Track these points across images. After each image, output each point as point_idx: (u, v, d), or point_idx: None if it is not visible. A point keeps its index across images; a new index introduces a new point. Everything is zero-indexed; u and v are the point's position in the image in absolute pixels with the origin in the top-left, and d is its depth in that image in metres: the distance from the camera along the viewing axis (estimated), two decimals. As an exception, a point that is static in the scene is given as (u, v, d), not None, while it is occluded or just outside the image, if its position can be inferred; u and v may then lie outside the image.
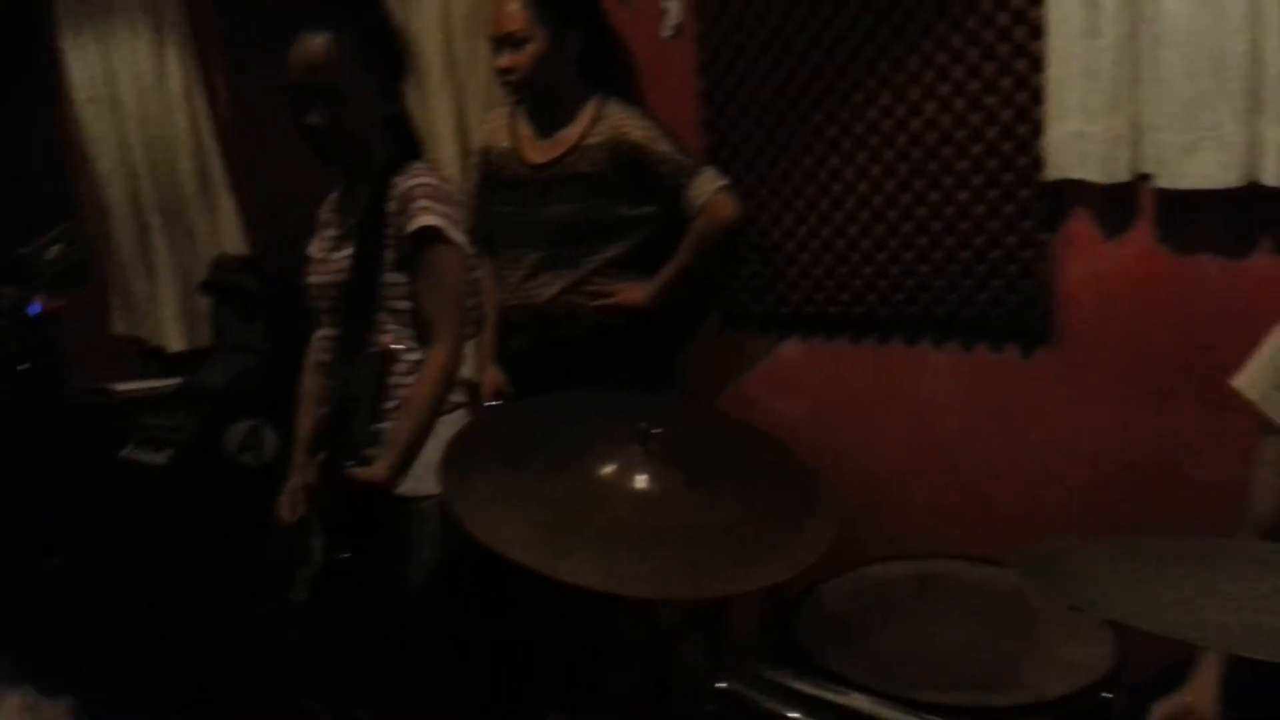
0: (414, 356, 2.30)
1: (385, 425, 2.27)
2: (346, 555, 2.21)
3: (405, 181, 2.29)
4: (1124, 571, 1.27)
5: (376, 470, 2.18)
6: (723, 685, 1.82)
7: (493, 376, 3.00)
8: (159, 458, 3.81)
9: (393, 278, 2.29)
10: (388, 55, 2.36)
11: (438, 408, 2.27)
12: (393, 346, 2.18)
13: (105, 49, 4.30)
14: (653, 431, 1.83)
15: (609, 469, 1.84)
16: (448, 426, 2.21)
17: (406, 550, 2.31)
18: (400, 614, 2.28)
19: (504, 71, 2.87)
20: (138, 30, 4.20)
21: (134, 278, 4.52)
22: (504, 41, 2.84)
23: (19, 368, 4.05)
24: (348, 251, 2.33)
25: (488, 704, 2.39)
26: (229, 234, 4.33)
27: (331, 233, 2.43)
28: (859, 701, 1.76)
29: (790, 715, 1.75)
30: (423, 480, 2.18)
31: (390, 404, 2.28)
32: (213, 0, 4.18)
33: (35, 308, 4.18)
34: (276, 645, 2.41)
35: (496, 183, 3.01)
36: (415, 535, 2.31)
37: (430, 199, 2.26)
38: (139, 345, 4.61)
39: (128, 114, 4.33)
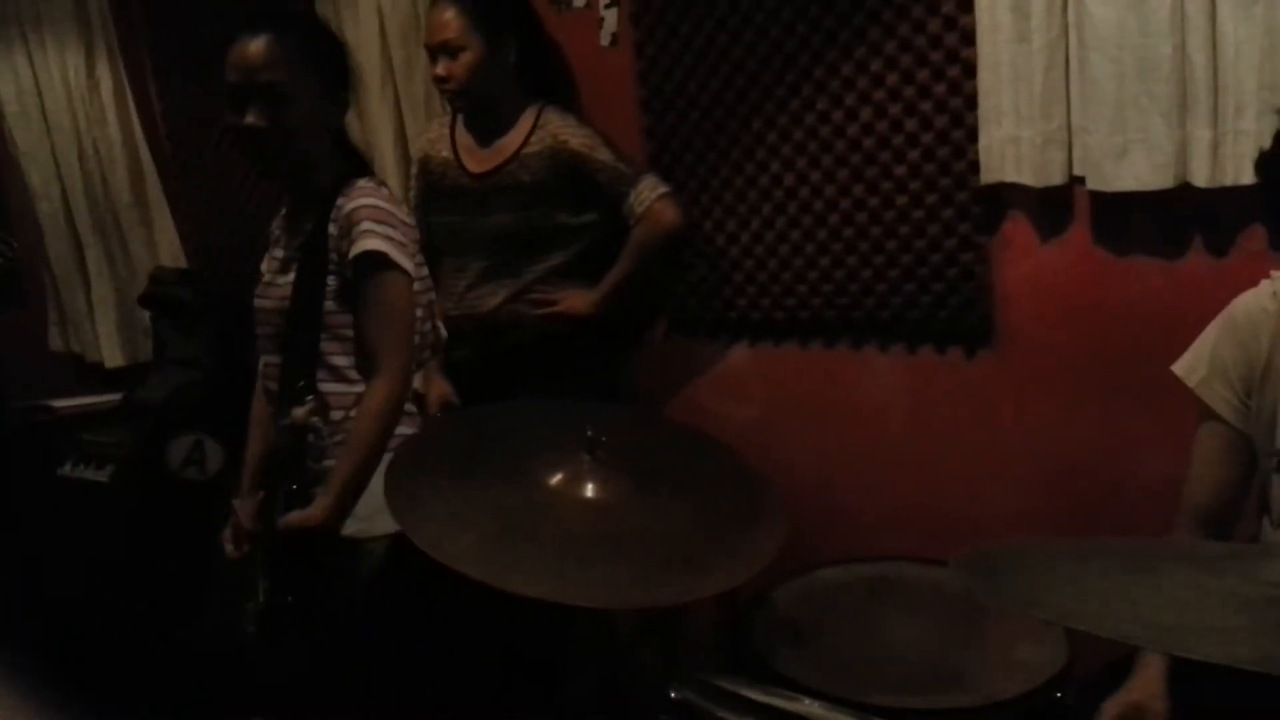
0: (359, 389, 2.18)
1: (331, 463, 2.15)
2: (290, 599, 2.10)
3: (348, 203, 2.15)
4: (1065, 572, 1.28)
5: (313, 513, 2.05)
6: (675, 694, 1.82)
7: (439, 388, 2.98)
8: (100, 475, 3.76)
9: (336, 305, 2.18)
10: (330, 59, 2.24)
11: (382, 443, 2.10)
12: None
13: (33, 62, 4.24)
14: (600, 439, 1.83)
15: (557, 478, 1.84)
16: None
17: (357, 592, 2.21)
18: (351, 648, 2.18)
19: (440, 80, 2.86)
20: (66, 43, 4.14)
21: (70, 293, 4.46)
22: (439, 50, 2.83)
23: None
24: (291, 277, 2.20)
25: (445, 715, 2.37)
26: (166, 246, 4.29)
27: (279, 253, 2.31)
28: (811, 708, 1.77)
29: (742, 723, 1.76)
30: (372, 521, 2.08)
31: (336, 439, 2.18)
32: (144, 12, 4.12)
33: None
34: (226, 665, 2.36)
35: (437, 192, 3.00)
36: (367, 577, 2.20)
37: (374, 221, 2.13)
38: (77, 361, 4.54)
39: (58, 127, 4.26)
